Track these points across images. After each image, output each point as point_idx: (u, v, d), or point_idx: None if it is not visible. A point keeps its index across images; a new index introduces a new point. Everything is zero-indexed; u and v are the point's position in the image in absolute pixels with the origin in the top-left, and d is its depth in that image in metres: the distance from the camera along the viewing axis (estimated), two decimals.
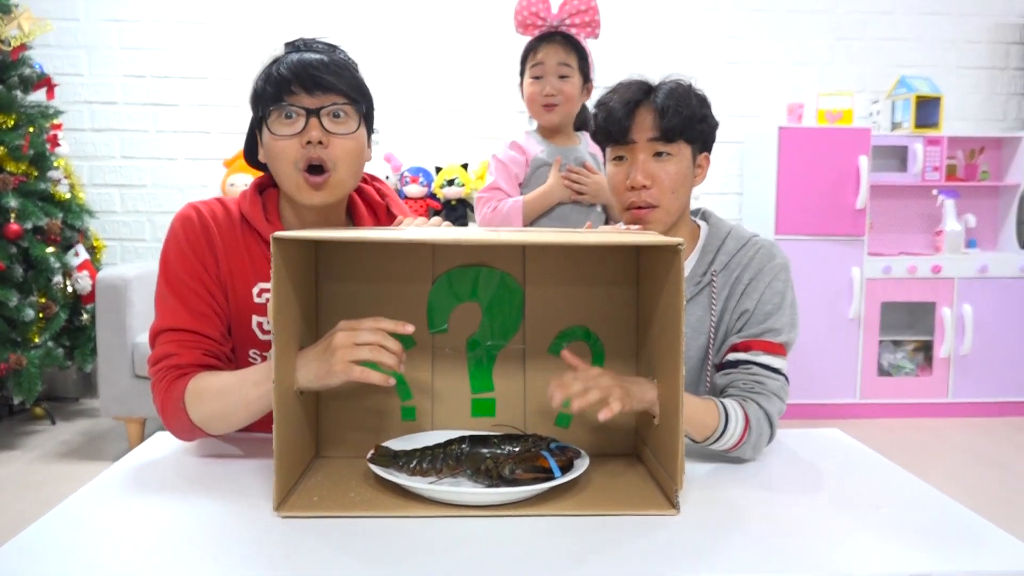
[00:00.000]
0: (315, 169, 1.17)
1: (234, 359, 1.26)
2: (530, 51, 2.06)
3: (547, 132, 2.12)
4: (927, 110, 3.77)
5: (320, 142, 1.16)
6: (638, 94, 1.27)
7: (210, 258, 1.22)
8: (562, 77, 2.01)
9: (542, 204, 2.03)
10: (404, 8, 3.87)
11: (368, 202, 1.39)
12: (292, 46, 1.21)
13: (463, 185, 3.78)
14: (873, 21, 4.03)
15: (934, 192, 3.87)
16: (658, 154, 1.27)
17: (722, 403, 1.17)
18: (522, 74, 2.09)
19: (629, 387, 1.05)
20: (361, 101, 1.21)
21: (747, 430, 1.16)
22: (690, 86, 1.28)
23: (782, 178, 3.63)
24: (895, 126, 3.86)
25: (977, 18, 4.05)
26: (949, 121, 4.04)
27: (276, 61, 1.19)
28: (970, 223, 3.88)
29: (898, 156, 3.84)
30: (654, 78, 1.31)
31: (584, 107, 2.13)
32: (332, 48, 1.23)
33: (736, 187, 4.04)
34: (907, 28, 4.04)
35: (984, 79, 4.11)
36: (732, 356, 1.28)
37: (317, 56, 1.17)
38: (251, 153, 1.31)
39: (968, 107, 4.11)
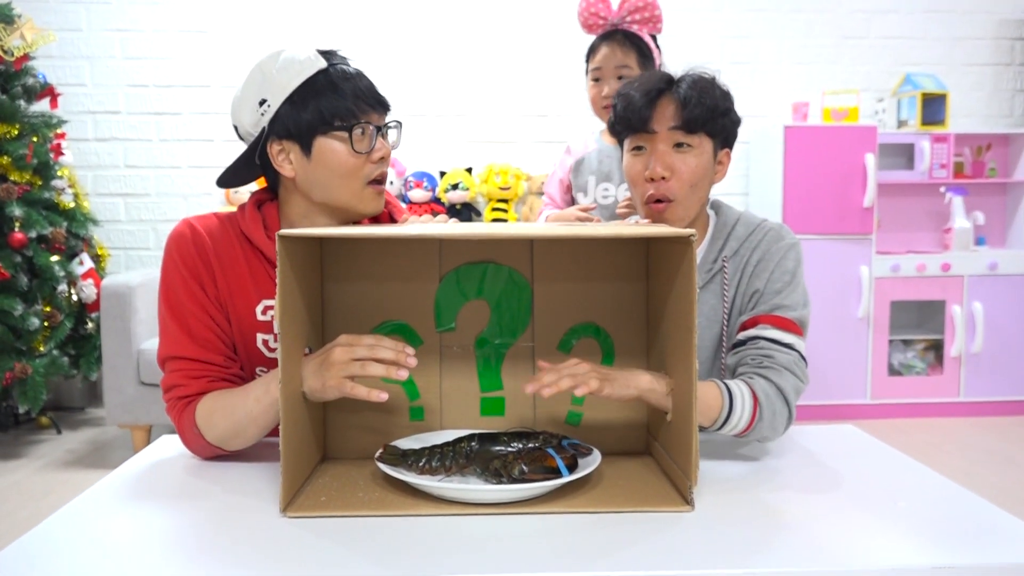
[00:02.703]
0: (378, 182, 1.24)
1: (244, 376, 1.24)
2: (590, 53, 2.07)
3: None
4: (933, 107, 3.75)
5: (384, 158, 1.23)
6: (660, 83, 1.25)
7: (207, 276, 1.20)
8: (620, 78, 2.00)
9: None
10: (406, 13, 3.87)
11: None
12: (329, 58, 1.20)
13: (467, 189, 3.77)
14: (877, 19, 4.01)
15: (942, 189, 3.85)
16: (678, 145, 1.25)
17: (724, 383, 1.13)
18: (587, 73, 2.09)
19: (610, 373, 1.03)
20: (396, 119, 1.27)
21: (756, 408, 1.11)
22: (713, 79, 1.26)
23: (788, 177, 3.61)
24: (901, 124, 3.83)
25: (981, 15, 4.04)
26: (955, 118, 4.02)
27: (339, 77, 1.17)
28: (979, 220, 3.85)
29: (905, 154, 3.82)
30: (676, 71, 1.29)
31: None
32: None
33: (742, 187, 4.02)
34: (911, 26, 4.02)
35: (989, 75, 4.09)
36: (741, 335, 1.25)
37: (364, 75, 1.22)
38: (251, 165, 1.26)
39: (974, 104, 4.09)
